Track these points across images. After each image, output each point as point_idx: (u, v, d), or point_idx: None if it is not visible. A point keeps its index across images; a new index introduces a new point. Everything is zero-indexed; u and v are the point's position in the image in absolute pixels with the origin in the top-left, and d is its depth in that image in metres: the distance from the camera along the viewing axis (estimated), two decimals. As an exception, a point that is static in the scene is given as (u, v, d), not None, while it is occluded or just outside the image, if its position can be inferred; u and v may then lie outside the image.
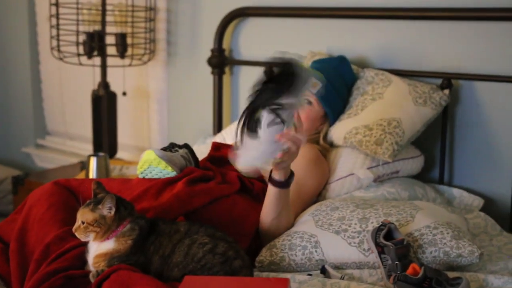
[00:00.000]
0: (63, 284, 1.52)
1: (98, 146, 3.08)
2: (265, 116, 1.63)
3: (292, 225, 1.89)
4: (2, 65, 3.90)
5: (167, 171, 1.91)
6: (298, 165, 1.96)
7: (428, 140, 2.38)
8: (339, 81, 2.30)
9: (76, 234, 1.55)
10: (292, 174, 1.79)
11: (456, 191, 2.29)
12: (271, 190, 1.80)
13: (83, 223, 1.53)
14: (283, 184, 1.78)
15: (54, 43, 2.99)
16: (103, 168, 2.56)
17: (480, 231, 2.05)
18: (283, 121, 1.63)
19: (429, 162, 2.39)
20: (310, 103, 2.22)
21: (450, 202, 2.26)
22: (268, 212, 1.83)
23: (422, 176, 2.33)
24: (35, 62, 3.76)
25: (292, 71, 1.64)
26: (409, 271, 1.57)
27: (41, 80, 3.79)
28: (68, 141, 3.75)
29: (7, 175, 3.55)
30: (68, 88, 3.66)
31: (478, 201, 2.25)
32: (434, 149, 2.42)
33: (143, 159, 1.95)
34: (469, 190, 2.30)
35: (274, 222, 1.84)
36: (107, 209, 1.54)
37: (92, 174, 2.56)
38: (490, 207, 2.28)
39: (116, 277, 1.45)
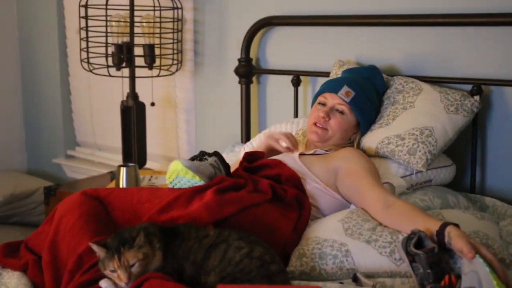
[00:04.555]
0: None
1: (127, 156, 3.11)
2: None
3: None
4: (32, 78, 3.96)
5: (195, 181, 1.91)
6: (365, 171, 1.99)
7: (458, 148, 2.35)
8: (371, 91, 2.28)
9: (131, 281, 1.50)
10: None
11: (488, 200, 2.25)
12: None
13: (131, 266, 1.50)
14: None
15: (84, 55, 3.03)
16: (132, 178, 2.58)
17: (514, 238, 2.02)
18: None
19: (460, 170, 2.36)
20: (342, 112, 2.20)
21: (483, 211, 2.22)
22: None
23: (453, 185, 2.30)
24: (65, 74, 3.82)
25: None
26: (445, 282, 1.53)
27: (70, 92, 3.84)
28: (97, 151, 3.79)
29: (38, 186, 3.61)
30: (97, 99, 3.70)
31: (512, 211, 2.21)
32: (464, 158, 2.39)
33: (171, 169, 1.95)
34: (502, 199, 2.26)
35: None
36: (143, 238, 1.53)
37: (122, 184, 2.57)
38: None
39: (149, 286, 1.46)
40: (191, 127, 3.29)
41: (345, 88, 2.20)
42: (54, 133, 3.91)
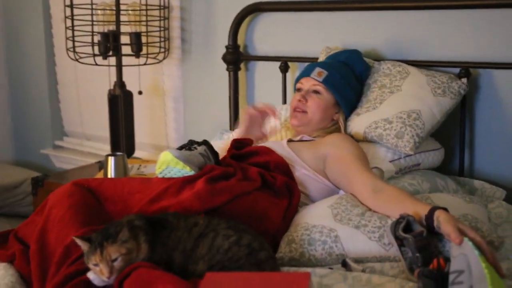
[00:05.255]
0: (84, 286, 1.51)
1: (115, 145, 3.09)
2: None
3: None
4: (19, 68, 3.93)
5: (186, 171, 1.90)
6: (353, 156, 1.99)
7: (446, 132, 2.36)
8: (347, 70, 2.31)
9: (113, 275, 1.48)
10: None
11: (477, 183, 2.26)
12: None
13: (113, 261, 1.49)
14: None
15: (70, 44, 3.00)
16: (121, 168, 2.56)
17: (503, 220, 2.02)
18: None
19: (448, 154, 2.36)
20: (317, 92, 2.23)
21: (472, 194, 2.23)
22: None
23: (441, 169, 2.31)
24: (51, 64, 3.79)
25: None
26: (434, 265, 1.54)
27: (57, 81, 3.81)
28: (86, 141, 3.77)
29: (26, 176, 3.58)
30: (84, 88, 3.68)
31: (500, 193, 2.22)
32: (452, 141, 2.39)
33: (161, 160, 1.94)
34: (490, 182, 2.27)
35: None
36: (126, 232, 1.52)
37: (110, 173, 2.56)
38: (512, 197, 2.25)
39: (137, 275, 1.45)
40: (179, 115, 3.27)
41: (317, 69, 2.27)
42: (42, 123, 3.88)
